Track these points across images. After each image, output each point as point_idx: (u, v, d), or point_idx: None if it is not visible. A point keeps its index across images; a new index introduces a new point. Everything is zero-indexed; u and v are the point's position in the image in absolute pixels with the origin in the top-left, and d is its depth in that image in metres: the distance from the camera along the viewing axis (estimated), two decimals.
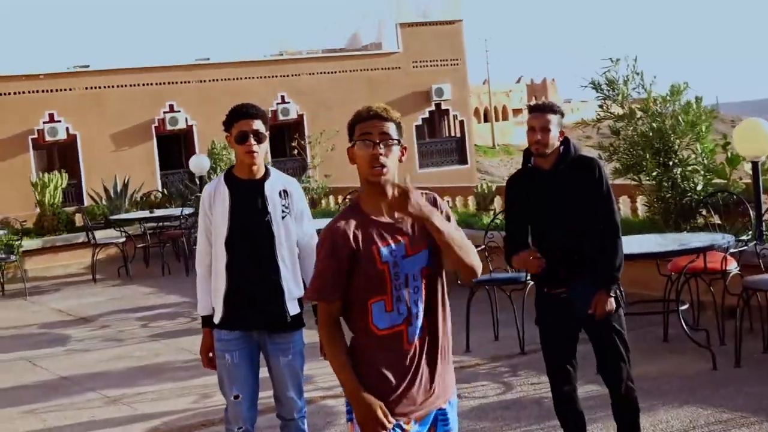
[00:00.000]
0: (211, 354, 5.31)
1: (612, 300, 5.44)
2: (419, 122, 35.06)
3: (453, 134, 36.74)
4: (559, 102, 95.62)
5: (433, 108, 35.30)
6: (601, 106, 11.22)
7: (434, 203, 3.66)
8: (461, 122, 36.19)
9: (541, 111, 5.53)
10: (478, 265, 3.64)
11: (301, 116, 32.43)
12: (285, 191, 5.22)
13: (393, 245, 3.54)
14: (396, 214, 3.56)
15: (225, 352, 5.20)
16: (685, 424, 6.57)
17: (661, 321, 9.11)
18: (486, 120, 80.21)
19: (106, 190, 21.05)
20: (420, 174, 33.06)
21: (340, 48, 37.06)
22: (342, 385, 3.62)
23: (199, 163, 18.53)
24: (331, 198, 19.56)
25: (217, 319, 5.22)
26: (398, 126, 3.64)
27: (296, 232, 5.24)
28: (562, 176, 5.47)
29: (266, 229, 5.14)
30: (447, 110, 35.84)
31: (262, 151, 5.15)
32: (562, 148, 5.52)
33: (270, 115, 32.02)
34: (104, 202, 20.63)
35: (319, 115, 31.97)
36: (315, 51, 35.55)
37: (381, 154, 3.52)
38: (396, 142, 3.59)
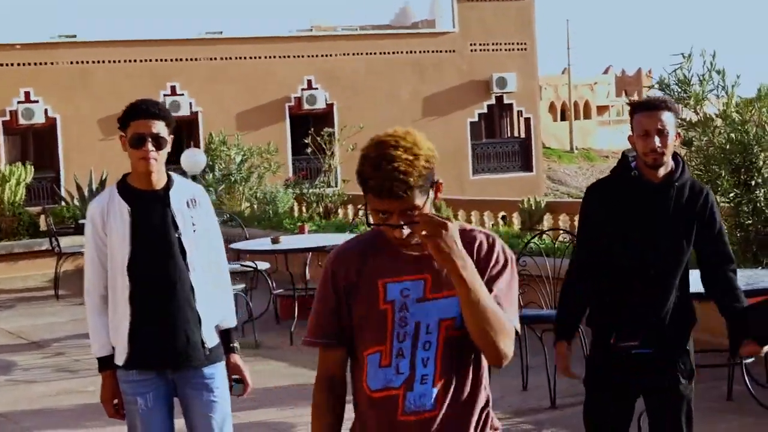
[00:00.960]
0: (116, 401, 5.32)
1: (760, 349, 5.45)
2: (475, 118, 35.12)
3: (516, 134, 36.74)
4: None
5: (493, 101, 35.34)
6: None
7: (490, 248, 3.38)
8: (527, 120, 36.19)
9: (655, 108, 5.29)
10: (506, 353, 3.28)
11: (330, 106, 32.59)
12: (193, 200, 5.27)
13: (408, 282, 3.32)
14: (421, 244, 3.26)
15: (136, 395, 5.21)
16: None
17: (726, 375, 9.05)
18: (564, 118, 79.94)
19: (79, 188, 21.23)
20: (473, 181, 33.11)
21: (384, 24, 37.17)
22: None
23: (192, 160, 18.63)
24: (350, 208, 19.63)
25: (121, 360, 5.21)
26: (423, 173, 3.29)
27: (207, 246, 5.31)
28: (676, 195, 5.34)
29: (177, 247, 5.17)
30: (510, 105, 35.86)
31: (162, 158, 5.13)
32: (674, 163, 5.38)
33: (293, 103, 32.36)
34: (76, 203, 20.83)
35: (352, 105, 32.09)
36: (352, 27, 35.72)
37: (406, 236, 3.27)
38: (417, 211, 3.24)
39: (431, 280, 3.29)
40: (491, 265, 3.35)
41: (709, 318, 9.63)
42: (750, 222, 10.82)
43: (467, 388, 3.35)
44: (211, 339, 5.29)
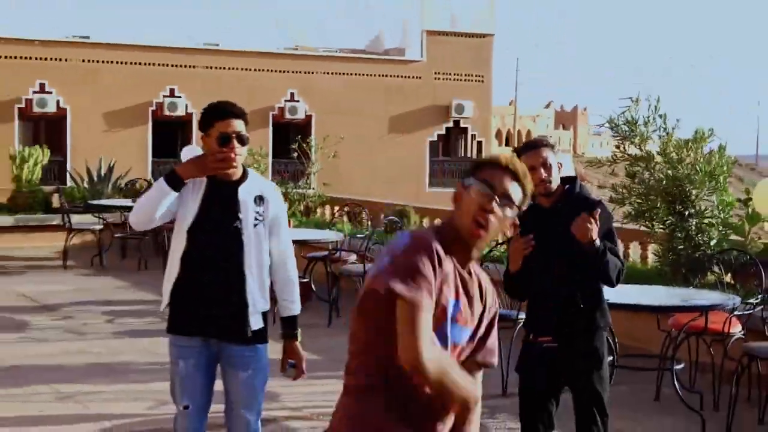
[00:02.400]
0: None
1: (595, 229, 5.43)
2: (434, 138, 35.23)
3: (469, 154, 36.84)
4: (588, 134, 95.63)
5: (451, 124, 35.45)
6: (618, 147, 11.35)
7: (493, 290, 3.40)
8: (479, 143, 36.31)
9: (534, 147, 5.58)
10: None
11: (309, 117, 32.59)
12: (261, 197, 5.17)
13: (453, 301, 3.22)
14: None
15: (179, 358, 5.19)
16: None
17: (655, 378, 9.21)
18: (507, 144, 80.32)
19: (89, 172, 21.18)
20: (428, 192, 33.19)
21: (359, 49, 37.16)
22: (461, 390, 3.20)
23: (191, 154, 18.59)
24: (327, 208, 19.69)
25: (162, 306, 5.20)
26: (525, 193, 3.32)
27: (269, 242, 5.20)
28: (562, 215, 5.52)
29: (234, 234, 5.09)
30: (466, 129, 35.98)
31: (243, 154, 5.11)
32: (567, 186, 5.64)
33: (276, 112, 32.33)
34: (85, 185, 20.77)
35: (328, 118, 32.10)
36: (332, 49, 35.68)
37: (494, 213, 3.24)
38: (515, 208, 3.29)
39: (465, 303, 3.27)
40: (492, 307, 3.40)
41: (638, 326, 9.86)
42: (682, 247, 10.98)
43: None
44: (256, 323, 5.18)
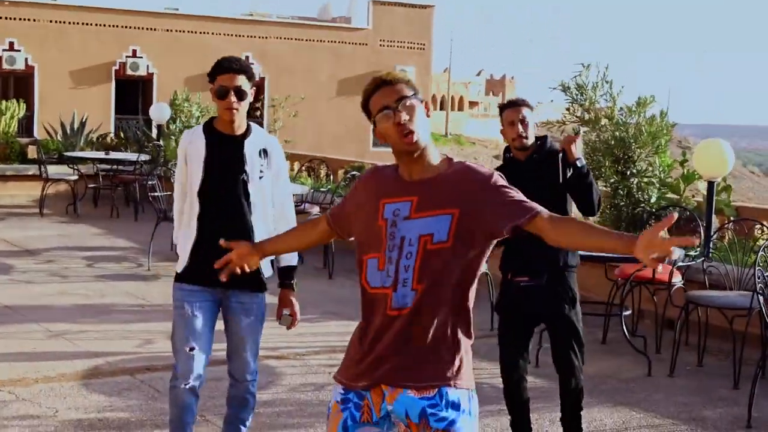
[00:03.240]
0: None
1: (580, 143, 5.79)
2: None
3: None
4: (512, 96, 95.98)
5: None
6: (568, 109, 11.39)
7: (481, 175, 3.42)
8: None
9: (518, 105, 5.77)
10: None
11: (262, 79, 32.33)
12: (265, 150, 5.09)
13: (399, 203, 3.39)
14: None
15: (184, 302, 5.07)
16: (618, 424, 6.76)
17: (602, 324, 9.31)
18: (442, 108, 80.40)
19: (63, 125, 20.83)
20: (373, 152, 33.17)
21: (310, 17, 36.97)
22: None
23: (159, 112, 18.45)
24: (292, 164, 19.56)
25: (180, 268, 5.13)
26: (409, 84, 3.44)
27: (273, 193, 5.15)
28: (536, 166, 5.71)
29: (241, 187, 5.03)
30: None
31: (243, 108, 5.00)
32: (539, 142, 5.80)
33: None
34: (59, 138, 20.43)
35: (281, 80, 31.94)
36: (285, 17, 35.40)
37: (406, 121, 3.34)
38: (413, 97, 3.39)
39: (417, 202, 3.35)
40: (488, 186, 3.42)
41: (588, 276, 9.94)
42: (623, 204, 11.08)
43: (445, 298, 3.33)
44: (267, 269, 5.15)
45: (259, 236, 4.99)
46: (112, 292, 10.44)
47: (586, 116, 11.37)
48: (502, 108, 5.83)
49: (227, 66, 4.96)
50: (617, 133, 11.04)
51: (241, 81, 4.95)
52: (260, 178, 5.05)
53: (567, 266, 5.79)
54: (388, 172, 3.49)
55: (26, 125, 26.28)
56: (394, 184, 3.43)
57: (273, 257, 5.16)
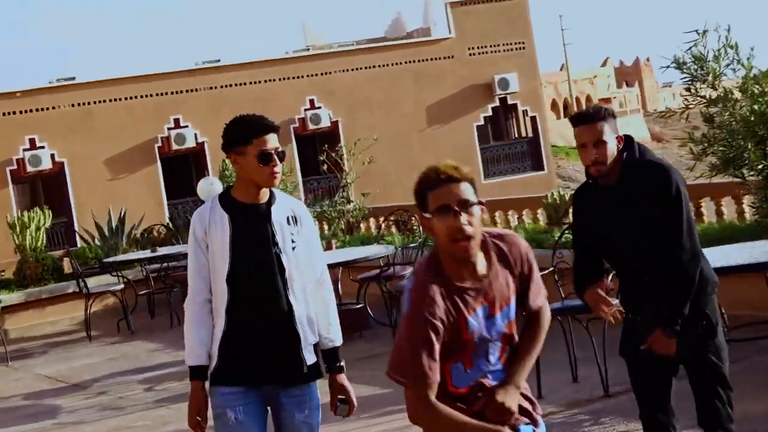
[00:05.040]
0: (200, 417, 5.28)
1: (673, 342, 5.49)
2: (481, 122, 35.20)
3: (524, 134, 36.76)
4: (657, 87, 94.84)
5: (497, 104, 35.37)
6: (688, 89, 11.23)
7: (519, 257, 4.16)
8: (533, 119, 36.24)
9: (589, 120, 5.56)
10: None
11: (335, 123, 32.70)
12: (294, 217, 5.32)
13: (479, 311, 4.02)
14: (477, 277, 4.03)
15: (227, 407, 5.21)
16: None
17: None
18: (567, 115, 79.99)
19: (98, 227, 21.31)
20: (486, 185, 33.13)
21: (379, 37, 37.27)
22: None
23: (209, 188, 18.68)
24: (372, 221, 19.69)
25: (212, 367, 5.28)
26: (473, 184, 3.98)
27: (307, 264, 5.33)
28: (629, 188, 5.55)
29: (275, 262, 5.22)
30: (515, 105, 35.89)
31: (281, 173, 5.33)
32: (625, 154, 5.58)
33: (297, 124, 32.47)
34: (97, 243, 20.90)
35: (357, 119, 32.21)
36: (348, 43, 35.82)
37: (465, 224, 3.89)
38: (477, 203, 3.93)
39: (492, 301, 4.05)
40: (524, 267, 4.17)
41: (745, 291, 9.72)
42: None
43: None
44: (309, 357, 5.30)
45: (298, 314, 5.24)
46: (177, 417, 10.56)
47: (713, 94, 11.19)
48: (572, 122, 5.71)
49: (265, 126, 5.25)
50: (756, 107, 10.84)
51: (277, 141, 5.26)
52: (293, 248, 5.27)
53: (701, 289, 5.66)
54: (439, 276, 3.98)
55: (65, 233, 26.95)
56: (459, 291, 3.99)
57: (316, 340, 5.37)
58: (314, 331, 5.34)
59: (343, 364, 5.41)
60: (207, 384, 5.33)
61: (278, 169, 5.23)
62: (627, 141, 5.63)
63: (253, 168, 5.19)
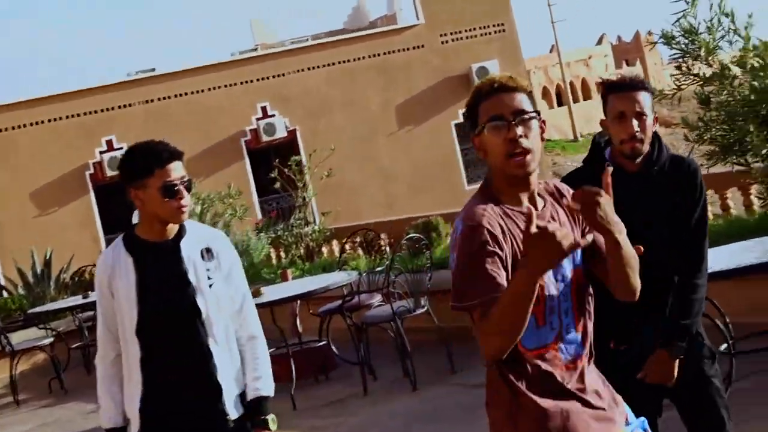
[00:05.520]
0: None
1: (674, 367, 5.42)
2: (460, 119, 35.18)
3: None
4: (662, 64, 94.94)
5: None
6: (678, 68, 11.20)
7: (559, 195, 4.10)
8: None
9: (630, 88, 5.46)
10: (638, 288, 4.17)
11: (293, 132, 32.71)
12: (208, 250, 5.33)
13: None
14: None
15: None
16: None
17: None
18: (561, 103, 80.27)
19: (21, 274, 21.19)
20: (470, 191, 33.08)
21: (338, 29, 37.31)
22: (523, 284, 3.66)
23: None
24: (335, 244, 19.61)
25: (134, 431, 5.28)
26: (531, 96, 4.03)
27: (228, 301, 5.34)
28: (657, 182, 5.49)
29: (190, 305, 5.23)
30: None
31: (190, 204, 5.30)
32: (654, 144, 5.53)
33: (249, 136, 32.42)
34: (21, 291, 20.77)
35: (317, 126, 32.20)
36: (303, 39, 35.85)
37: (521, 136, 3.89)
38: (535, 114, 3.96)
39: None
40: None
41: (755, 296, 9.68)
42: None
43: (590, 330, 4.12)
44: (235, 410, 5.31)
45: (220, 362, 5.24)
46: None
47: (708, 71, 11.16)
48: (607, 89, 5.59)
49: (168, 153, 5.25)
50: (757, 83, 10.81)
51: (182, 169, 5.26)
52: (210, 286, 5.28)
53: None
54: (498, 209, 3.92)
55: None
56: (519, 216, 3.88)
57: (239, 392, 5.34)
58: (239, 380, 5.35)
59: (269, 417, 5.35)
60: None
61: (186, 201, 5.23)
62: (656, 135, 5.58)
63: (157, 202, 5.19)
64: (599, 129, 5.89)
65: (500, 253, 3.81)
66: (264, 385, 5.36)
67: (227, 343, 5.29)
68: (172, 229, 5.29)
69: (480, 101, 3.96)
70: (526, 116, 3.89)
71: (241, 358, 5.39)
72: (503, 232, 3.85)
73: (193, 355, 5.23)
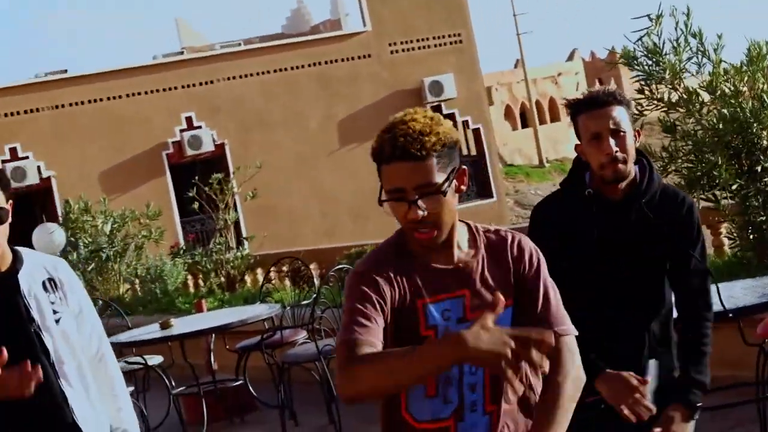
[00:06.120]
0: None
1: (692, 426, 5.36)
2: None
3: (466, 152, 36.90)
4: (632, 87, 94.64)
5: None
6: (641, 91, 11.41)
7: (520, 250, 3.97)
8: (476, 132, 36.47)
9: (601, 104, 5.32)
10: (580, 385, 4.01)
11: (221, 146, 32.74)
12: (52, 280, 5.14)
13: (447, 301, 3.81)
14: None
15: None
16: None
17: (757, 416, 9.23)
18: (525, 124, 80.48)
19: None
20: None
21: (275, 34, 37.35)
22: (427, 362, 3.49)
23: (47, 239, 18.66)
24: (259, 272, 19.69)
25: None
26: (444, 149, 3.79)
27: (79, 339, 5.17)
28: (645, 216, 5.42)
29: (36, 346, 5.05)
30: (452, 115, 35.93)
31: (4, 234, 4.99)
32: (639, 169, 5.43)
33: (171, 150, 32.43)
34: None
35: (249, 141, 32.22)
36: (235, 43, 35.88)
37: (424, 212, 3.74)
38: (442, 190, 3.76)
39: (470, 296, 3.81)
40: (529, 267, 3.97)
41: (726, 347, 9.85)
42: (763, 218, 11.02)
43: (521, 415, 3.89)
44: None
45: (77, 406, 5.05)
46: None
47: (673, 96, 11.39)
48: (575, 109, 5.45)
49: None
50: (726, 111, 11.03)
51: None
52: (57, 321, 5.10)
53: (671, 362, 5.67)
54: (404, 256, 3.86)
55: None
56: (426, 273, 3.82)
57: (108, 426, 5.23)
58: (101, 422, 5.22)
59: None
60: None
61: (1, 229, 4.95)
62: (645, 160, 5.47)
63: None
64: (567, 154, 5.87)
65: (376, 304, 3.72)
66: (130, 425, 5.27)
67: (82, 385, 5.12)
68: (4, 259, 5.05)
69: (381, 162, 3.80)
70: (433, 192, 3.73)
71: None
72: (397, 285, 3.78)
73: (46, 403, 5.03)
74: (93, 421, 5.16)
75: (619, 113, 5.24)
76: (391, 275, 3.78)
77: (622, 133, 5.21)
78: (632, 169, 5.33)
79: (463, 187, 3.84)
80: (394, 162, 3.72)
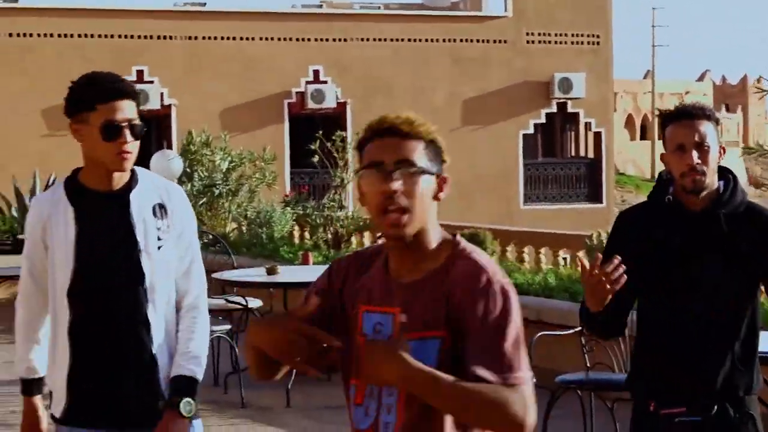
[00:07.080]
0: None
1: None
2: (530, 130, 35.17)
3: (583, 154, 36.73)
4: (764, 116, 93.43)
5: (554, 109, 35.37)
6: None
7: (465, 285, 3.55)
8: (597, 135, 36.19)
9: (691, 116, 5.41)
10: (520, 423, 3.44)
11: (342, 105, 32.69)
12: (161, 206, 5.10)
13: (380, 314, 3.62)
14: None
15: None
16: None
17: None
18: (644, 136, 79.93)
19: (18, 194, 21.22)
20: (524, 211, 33.20)
21: (415, 3, 37.20)
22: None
23: (164, 165, 18.73)
24: (367, 236, 19.72)
25: (58, 411, 5.10)
26: (430, 147, 3.61)
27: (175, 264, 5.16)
28: (724, 226, 5.44)
29: (133, 268, 5.05)
30: (576, 114, 35.85)
31: (136, 151, 5.03)
32: (723, 183, 5.49)
33: (294, 99, 32.54)
34: (14, 213, 20.84)
35: (372, 105, 32.04)
36: (375, 5, 35.74)
37: (397, 191, 3.51)
38: (421, 171, 3.57)
39: (400, 315, 3.52)
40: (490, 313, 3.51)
41: None
42: None
43: None
44: (167, 390, 5.09)
45: (157, 333, 5.04)
46: None
47: None
48: (665, 119, 5.53)
49: (116, 89, 5.03)
50: None
51: (133, 110, 5.00)
52: (159, 248, 5.09)
53: (749, 390, 5.66)
54: (376, 259, 3.72)
55: None
56: (376, 280, 3.67)
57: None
58: (183, 355, 5.15)
59: (186, 402, 5.06)
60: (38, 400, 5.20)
61: (130, 147, 4.94)
62: (731, 175, 5.54)
63: (96, 143, 4.95)
64: None
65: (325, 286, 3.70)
66: (192, 364, 5.11)
67: (166, 315, 5.09)
68: (121, 177, 5.04)
69: (365, 140, 3.60)
70: (412, 169, 3.50)
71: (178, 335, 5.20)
72: (348, 287, 3.68)
73: (130, 327, 5.02)
74: (167, 350, 5.12)
75: (707, 128, 5.35)
76: (352, 273, 3.69)
77: (706, 147, 5.31)
78: (714, 182, 5.40)
79: (441, 195, 3.59)
80: (378, 139, 3.55)
